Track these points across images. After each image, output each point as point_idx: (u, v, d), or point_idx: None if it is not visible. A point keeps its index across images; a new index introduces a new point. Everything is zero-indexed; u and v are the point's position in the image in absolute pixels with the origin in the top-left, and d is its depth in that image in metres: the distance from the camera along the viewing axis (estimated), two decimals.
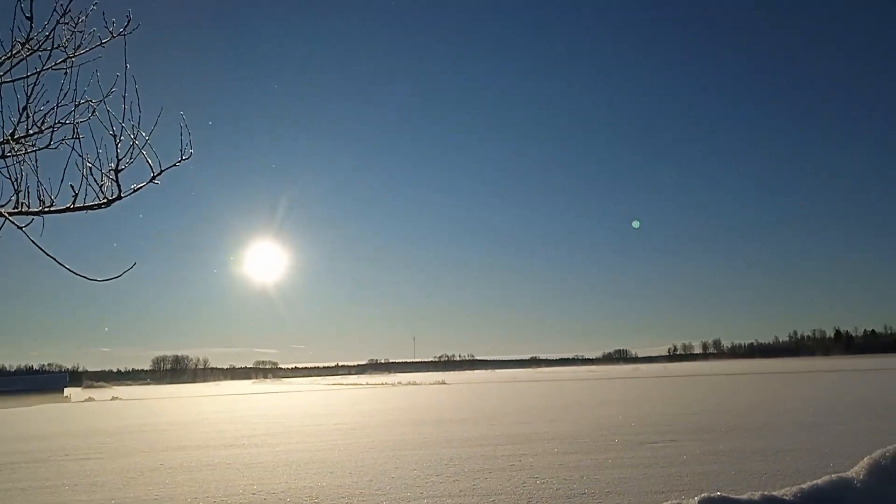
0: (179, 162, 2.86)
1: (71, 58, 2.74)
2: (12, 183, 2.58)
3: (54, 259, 2.45)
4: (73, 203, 2.62)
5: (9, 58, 2.59)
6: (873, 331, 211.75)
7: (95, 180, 2.63)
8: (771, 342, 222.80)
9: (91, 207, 2.65)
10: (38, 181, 2.58)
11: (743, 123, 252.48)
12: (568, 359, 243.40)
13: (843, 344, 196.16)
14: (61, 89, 2.67)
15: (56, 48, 2.64)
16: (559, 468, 9.83)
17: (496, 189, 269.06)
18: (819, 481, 3.25)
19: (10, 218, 2.34)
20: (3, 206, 2.48)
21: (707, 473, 8.79)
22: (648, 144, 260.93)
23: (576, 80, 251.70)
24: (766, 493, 3.18)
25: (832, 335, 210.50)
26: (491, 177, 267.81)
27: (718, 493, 3.11)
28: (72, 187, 2.58)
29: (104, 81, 2.74)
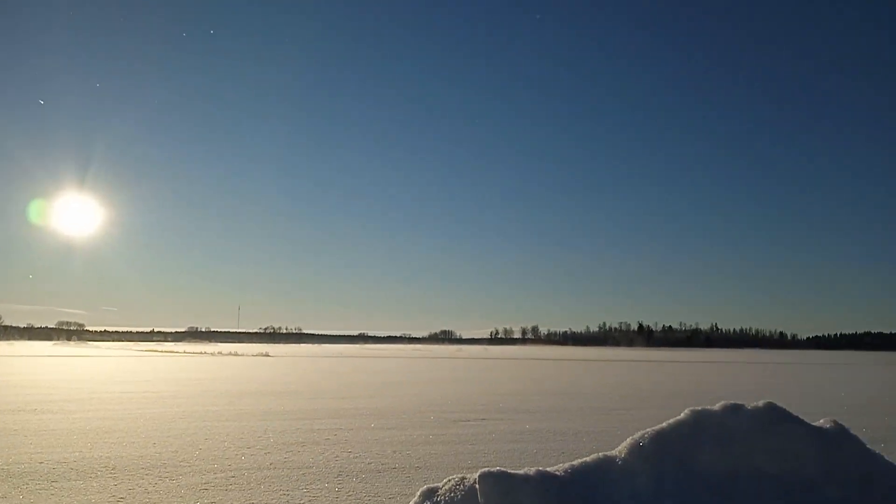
0: None
1: None
2: None
3: None
4: None
5: None
6: (671, 326, 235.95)
7: None
8: (583, 331, 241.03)
9: None
10: None
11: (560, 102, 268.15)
12: (396, 336, 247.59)
13: (645, 337, 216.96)
14: None
15: None
16: (373, 443, 9.97)
17: (331, 153, 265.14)
18: (588, 458, 3.55)
19: None
20: None
21: (511, 451, 9.32)
22: (478, 115, 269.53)
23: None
24: (541, 468, 3.41)
25: (636, 328, 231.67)
26: (323, 136, 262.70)
27: (498, 468, 3.29)
28: None
29: None
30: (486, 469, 3.28)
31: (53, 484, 6.92)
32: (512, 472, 3.26)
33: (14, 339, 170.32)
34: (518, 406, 15.91)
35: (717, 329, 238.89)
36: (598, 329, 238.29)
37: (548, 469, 3.41)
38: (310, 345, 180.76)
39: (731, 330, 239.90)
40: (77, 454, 8.65)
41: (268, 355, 66.77)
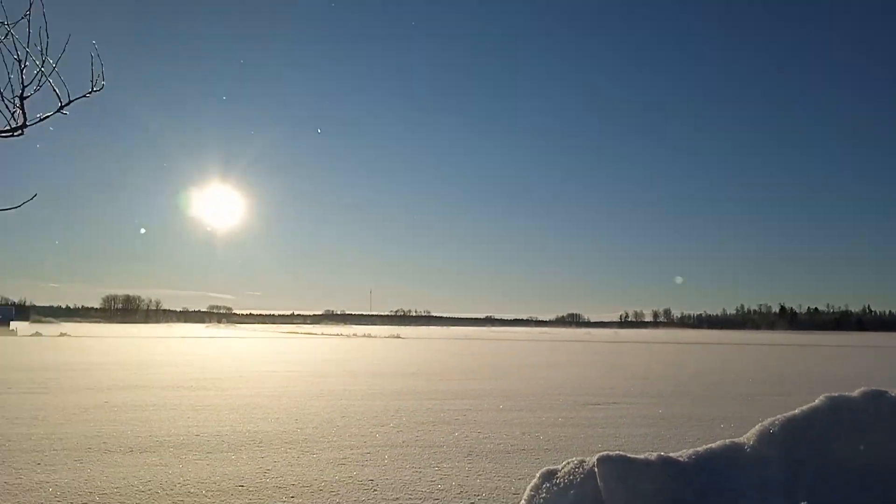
0: (90, 93, 2.77)
1: None
2: None
3: None
4: None
5: None
6: (816, 308, 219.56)
7: (8, 108, 2.54)
8: (719, 314, 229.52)
9: None
10: None
11: (706, 102, 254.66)
12: (522, 319, 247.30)
13: (787, 319, 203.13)
14: None
15: None
16: (502, 424, 10.05)
17: (459, 147, 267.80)
18: (714, 445, 3.39)
19: None
20: None
21: (643, 436, 9.09)
22: (615, 113, 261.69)
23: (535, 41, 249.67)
24: (662, 453, 3.30)
25: (777, 310, 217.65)
26: (454, 133, 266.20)
27: (617, 452, 3.21)
28: None
29: (12, 3, 2.63)
30: (606, 453, 3.22)
31: (209, 455, 7.52)
32: (632, 456, 3.18)
33: (172, 321, 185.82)
34: (650, 390, 15.47)
35: (870, 311, 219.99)
36: (735, 311, 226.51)
37: (670, 454, 3.30)
38: (438, 327, 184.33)
39: (887, 312, 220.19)
40: (229, 428, 9.33)
41: (399, 337, 68.83)
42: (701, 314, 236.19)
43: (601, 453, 3.28)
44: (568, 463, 3.42)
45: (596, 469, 3.13)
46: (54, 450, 7.64)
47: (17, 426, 9.25)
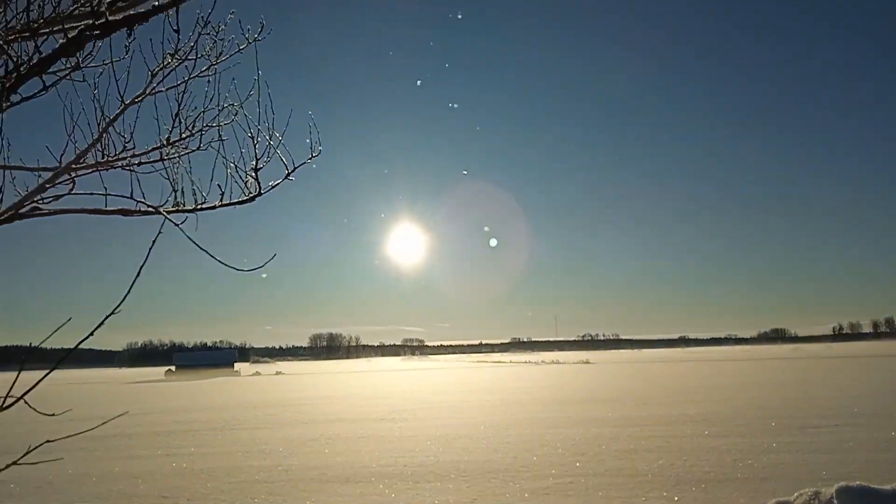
0: (311, 159, 3.12)
1: (214, 65, 3.06)
2: (170, 183, 2.93)
3: (207, 252, 2.76)
4: (221, 200, 2.93)
5: (161, 69, 2.94)
6: None
7: (241, 178, 2.93)
8: None
9: (237, 203, 2.96)
10: (192, 181, 2.93)
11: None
12: (719, 338, 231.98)
13: None
14: (206, 95, 3.01)
15: (200, 57, 2.97)
16: (710, 451, 9.51)
17: (636, 165, 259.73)
18: None
19: (168, 216, 2.66)
20: (162, 205, 2.84)
21: (876, 462, 8.17)
22: (806, 123, 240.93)
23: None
24: None
25: None
26: (628, 154, 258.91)
27: (858, 483, 2.93)
28: (219, 186, 2.89)
29: (241, 86, 3.06)
30: (845, 483, 2.97)
31: (417, 484, 7.87)
32: (877, 487, 2.90)
33: (371, 355, 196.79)
34: (878, 410, 13.86)
35: None
36: None
37: None
38: (628, 350, 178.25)
39: None
40: (433, 458, 9.70)
41: (588, 362, 67.52)
42: None
43: (840, 483, 3.05)
44: (801, 494, 3.21)
45: (835, 501, 2.91)
46: (281, 480, 8.39)
47: (249, 459, 10.28)
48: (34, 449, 2.19)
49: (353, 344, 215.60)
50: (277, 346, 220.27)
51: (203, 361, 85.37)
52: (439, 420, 15.05)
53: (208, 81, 3.13)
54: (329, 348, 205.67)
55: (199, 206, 2.82)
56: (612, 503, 6.62)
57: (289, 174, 2.93)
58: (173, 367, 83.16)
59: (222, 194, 2.83)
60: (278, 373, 68.67)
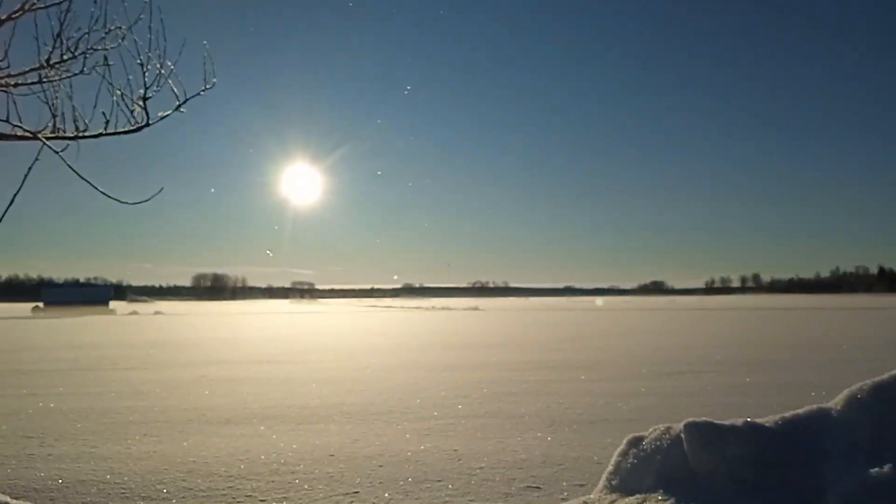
0: (203, 91, 2.94)
1: None
2: (49, 108, 2.68)
3: (89, 182, 2.57)
4: (105, 129, 2.72)
5: None
6: None
7: (127, 106, 2.72)
8: (812, 278, 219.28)
9: (122, 133, 2.76)
10: (73, 107, 2.69)
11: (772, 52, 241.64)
12: (603, 289, 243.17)
13: (887, 282, 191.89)
14: (92, 16, 2.74)
15: None
16: (584, 394, 10.04)
17: (533, 112, 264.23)
18: (800, 411, 3.33)
19: (47, 143, 2.44)
20: (41, 130, 2.59)
21: (730, 405, 8.89)
22: (687, 71, 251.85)
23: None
24: (749, 419, 3.25)
25: (876, 272, 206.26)
26: (525, 98, 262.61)
27: (704, 418, 3.19)
28: (104, 114, 2.68)
29: (132, 10, 2.81)
30: (692, 419, 3.21)
31: (300, 426, 7.86)
32: (718, 422, 3.16)
33: (258, 298, 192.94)
34: (737, 358, 15.08)
35: None
36: (829, 275, 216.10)
37: (757, 420, 3.25)
38: (517, 298, 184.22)
39: None
40: (317, 400, 9.70)
41: (477, 309, 69.30)
42: (793, 278, 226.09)
43: (688, 420, 3.28)
44: (655, 429, 3.43)
45: (683, 435, 3.13)
46: (158, 422, 8.15)
47: (122, 400, 9.90)
48: None
49: (240, 285, 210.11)
50: (158, 286, 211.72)
51: (74, 298, 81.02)
52: (325, 363, 15.04)
53: (94, 1, 2.85)
54: (213, 289, 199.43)
55: (80, 134, 2.59)
56: (489, 443, 6.86)
57: (179, 105, 2.75)
58: (41, 304, 78.41)
59: (107, 122, 2.62)
60: (157, 312, 66.22)
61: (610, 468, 3.42)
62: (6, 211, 2.10)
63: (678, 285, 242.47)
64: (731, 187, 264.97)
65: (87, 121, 2.67)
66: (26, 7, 2.67)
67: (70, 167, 2.47)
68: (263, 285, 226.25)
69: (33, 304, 79.94)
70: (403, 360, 15.59)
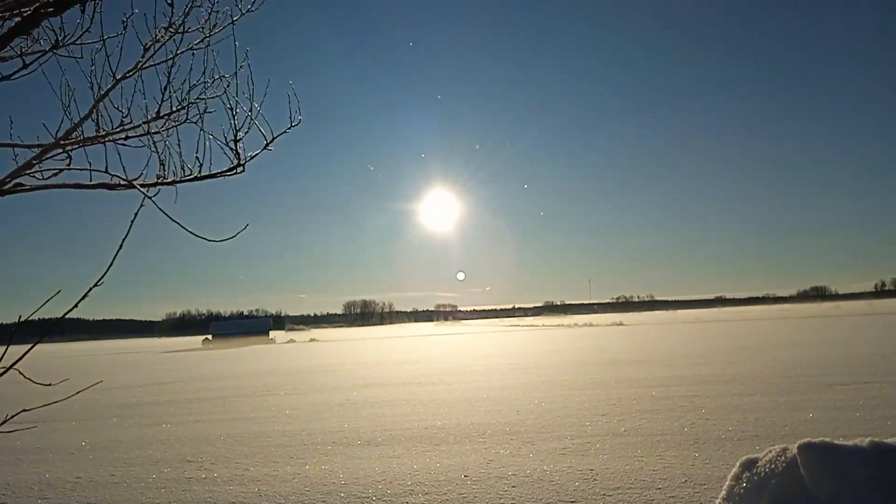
0: (289, 129, 3.10)
1: (207, 37, 3.04)
2: (158, 157, 2.95)
3: (179, 224, 2.77)
4: (199, 172, 2.95)
5: (153, 43, 2.94)
6: None
7: (221, 149, 2.94)
8: None
9: (218, 175, 2.97)
10: (180, 154, 2.94)
11: None
12: (757, 298, 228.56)
13: None
14: (191, 67, 3.00)
15: (195, 29, 2.96)
16: (732, 410, 9.46)
17: (672, 123, 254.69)
18: None
19: (142, 190, 2.69)
20: (137, 178, 2.87)
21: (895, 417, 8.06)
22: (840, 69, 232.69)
23: None
24: (876, 439, 2.90)
25: None
26: (668, 110, 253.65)
27: (822, 439, 2.88)
28: (197, 158, 2.91)
29: (221, 58, 3.05)
30: (808, 439, 2.93)
31: (436, 447, 7.99)
32: (839, 443, 2.86)
33: (404, 322, 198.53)
34: None
35: None
36: None
37: (885, 440, 2.91)
38: (663, 311, 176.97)
39: None
40: (454, 421, 9.81)
41: (621, 324, 67.24)
42: None
43: (804, 440, 3.01)
44: (770, 450, 3.17)
45: (798, 457, 2.87)
46: (304, 444, 8.58)
47: (273, 424, 10.52)
48: (11, 418, 2.26)
49: (387, 310, 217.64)
50: (312, 314, 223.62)
51: (239, 330, 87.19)
52: (465, 384, 15.19)
53: (193, 54, 3.14)
54: (363, 315, 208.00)
55: (179, 179, 2.86)
56: (626, 461, 6.64)
57: (268, 144, 2.94)
58: (210, 336, 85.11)
59: (200, 167, 2.86)
60: (312, 339, 69.80)
61: (723, 493, 3.19)
62: (116, 254, 2.33)
63: (843, 290, 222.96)
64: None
65: (191, 167, 2.92)
66: (139, 65, 2.97)
67: (159, 208, 2.70)
68: (409, 309, 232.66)
69: (203, 337, 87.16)
70: (543, 378, 15.43)
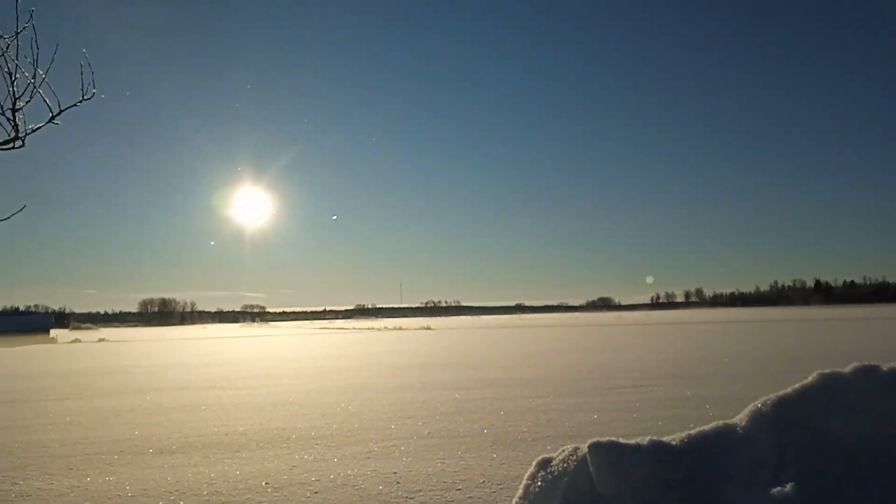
0: (81, 101, 2.81)
1: None
2: None
3: None
4: None
5: None
6: (853, 281, 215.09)
7: (5, 122, 2.59)
8: (752, 292, 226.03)
9: None
10: None
11: (735, 74, 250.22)
12: (553, 306, 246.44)
13: (823, 294, 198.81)
14: None
15: None
16: (527, 411, 10.05)
17: (480, 136, 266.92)
18: (706, 427, 3.35)
19: None
20: None
21: (670, 418, 9.02)
22: (640, 91, 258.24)
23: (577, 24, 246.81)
24: (655, 438, 3.27)
25: (812, 285, 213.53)
26: (475, 123, 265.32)
27: (609, 438, 3.19)
28: None
29: (8, 18, 2.68)
30: (597, 439, 3.21)
31: (236, 453, 7.64)
32: (623, 441, 3.16)
33: (208, 322, 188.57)
34: (679, 372, 15.33)
35: None
36: (769, 288, 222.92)
37: (662, 439, 3.27)
38: (468, 317, 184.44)
39: None
40: (257, 426, 9.47)
41: (429, 328, 69.06)
42: (734, 292, 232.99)
43: (592, 440, 3.27)
44: (563, 450, 3.41)
45: (588, 456, 3.12)
46: (86, 454, 7.82)
47: (51, 432, 9.49)
48: None
49: (189, 310, 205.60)
50: (103, 312, 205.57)
51: (12, 326, 77.88)
52: (270, 387, 14.73)
53: None
54: (161, 314, 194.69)
55: None
56: (429, 464, 6.78)
57: (53, 117, 2.62)
58: None
59: None
60: (101, 339, 64.04)
61: (520, 492, 3.38)
62: None
63: (625, 301, 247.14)
64: (675, 205, 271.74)
65: None
66: None
67: None
68: (213, 309, 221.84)
69: None
70: (350, 382, 15.38)
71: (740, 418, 3.34)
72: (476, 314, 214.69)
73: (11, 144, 2.59)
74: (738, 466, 2.97)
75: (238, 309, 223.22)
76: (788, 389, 3.40)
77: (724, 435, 3.19)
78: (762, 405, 3.24)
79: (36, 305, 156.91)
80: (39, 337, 71.88)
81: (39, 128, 2.68)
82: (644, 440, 3.20)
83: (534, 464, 3.46)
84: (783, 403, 3.18)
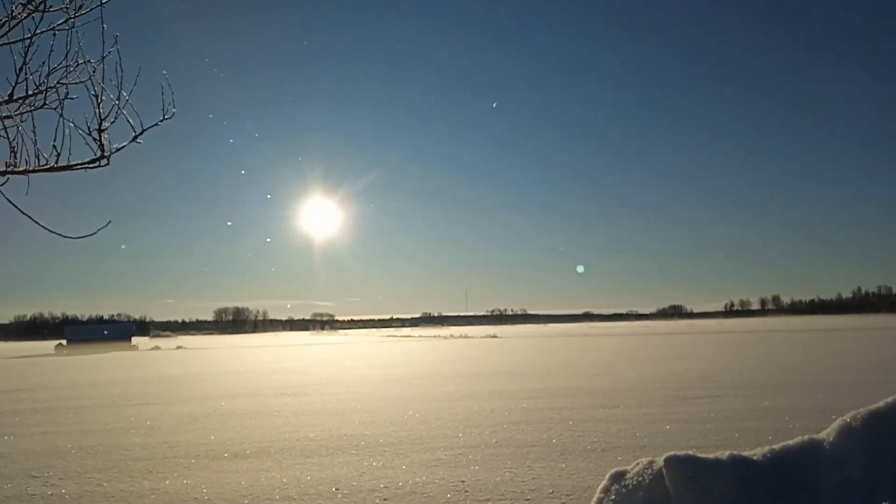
0: (161, 121, 2.91)
1: (72, 18, 2.80)
2: (9, 143, 2.68)
3: (30, 217, 2.54)
4: (57, 162, 2.70)
5: (8, 19, 2.67)
6: None
7: (82, 139, 2.71)
8: (833, 298, 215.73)
9: (78, 166, 2.74)
10: (34, 142, 2.68)
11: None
12: (621, 314, 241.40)
13: None
14: (51, 50, 2.74)
15: (58, 9, 2.71)
16: (598, 422, 9.86)
17: (547, 145, 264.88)
18: (790, 442, 3.17)
19: None
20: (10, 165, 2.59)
21: (746, 430, 8.70)
22: (709, 101, 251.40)
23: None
24: (735, 452, 3.12)
25: None
26: (541, 132, 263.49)
27: (686, 452, 3.07)
28: (54, 147, 2.66)
29: (88, 42, 2.80)
30: (674, 453, 3.09)
31: (307, 459, 7.78)
32: (702, 456, 3.04)
33: (279, 330, 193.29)
34: (755, 382, 14.78)
35: None
36: (851, 295, 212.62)
37: (744, 454, 3.12)
38: (535, 325, 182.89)
39: None
40: (327, 433, 9.61)
41: (495, 336, 68.82)
42: (814, 299, 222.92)
43: (669, 453, 3.16)
44: (637, 463, 3.32)
45: (664, 470, 3.02)
46: (165, 458, 8.10)
47: (132, 436, 9.88)
48: None
49: (261, 318, 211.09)
50: (181, 321, 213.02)
51: (97, 335, 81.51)
52: (340, 394, 14.95)
53: (54, 35, 2.86)
54: (235, 322, 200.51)
55: (31, 169, 2.59)
56: (498, 473, 6.74)
57: (136, 137, 2.74)
58: (64, 342, 78.94)
59: (58, 156, 2.62)
60: (179, 347, 66.50)
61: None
62: None
63: (697, 309, 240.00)
64: (750, 208, 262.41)
65: (46, 156, 2.66)
66: None
67: (7, 199, 2.46)
68: (284, 318, 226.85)
69: (57, 342, 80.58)
70: (418, 390, 15.46)
71: (827, 433, 3.16)
72: (543, 322, 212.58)
73: (97, 164, 2.71)
74: (827, 486, 2.82)
75: (308, 317, 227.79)
76: (880, 403, 3.21)
77: (811, 451, 3.03)
78: (851, 419, 3.07)
79: (119, 314, 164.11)
80: (122, 344, 75.07)
81: (123, 147, 2.80)
82: (724, 454, 3.08)
83: (607, 476, 3.38)
84: (875, 418, 3.00)
